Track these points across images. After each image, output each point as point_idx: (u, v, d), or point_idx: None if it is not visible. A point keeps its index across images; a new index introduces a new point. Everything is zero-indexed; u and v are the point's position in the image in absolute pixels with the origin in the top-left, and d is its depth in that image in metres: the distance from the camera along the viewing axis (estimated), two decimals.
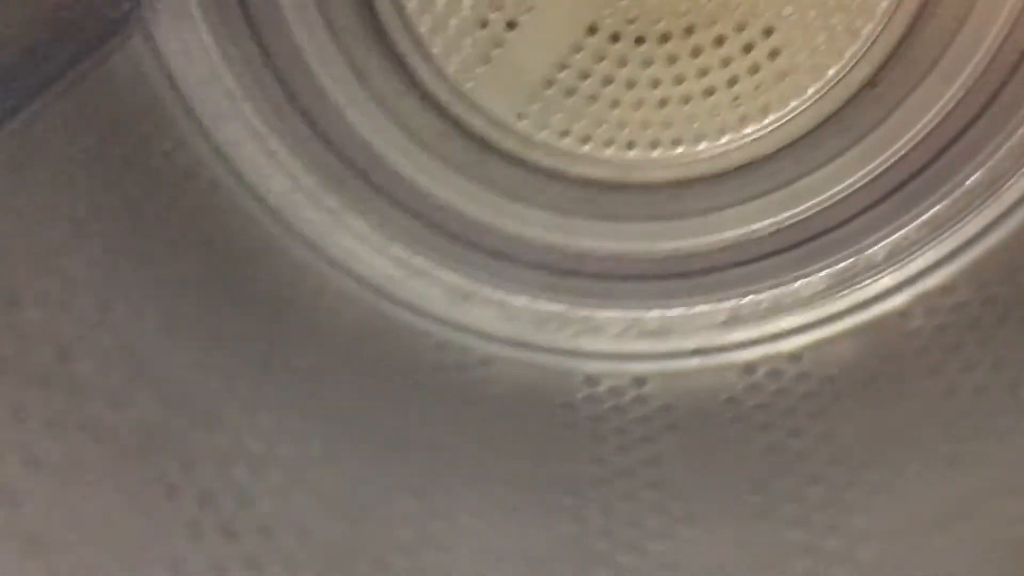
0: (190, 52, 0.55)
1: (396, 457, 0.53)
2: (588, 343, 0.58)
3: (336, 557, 0.45)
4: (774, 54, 0.55)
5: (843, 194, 0.55)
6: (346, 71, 0.57)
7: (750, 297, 0.57)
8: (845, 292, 0.55)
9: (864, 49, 0.53)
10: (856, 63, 0.54)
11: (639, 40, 0.57)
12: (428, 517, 0.48)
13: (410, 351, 0.59)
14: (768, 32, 0.55)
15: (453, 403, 0.56)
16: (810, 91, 0.55)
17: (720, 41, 0.56)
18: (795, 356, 0.57)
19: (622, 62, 0.58)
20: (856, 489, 0.49)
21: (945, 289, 0.54)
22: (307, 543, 0.45)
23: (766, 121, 0.56)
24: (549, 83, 0.59)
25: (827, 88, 0.55)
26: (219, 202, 0.57)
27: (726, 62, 0.56)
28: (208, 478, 0.45)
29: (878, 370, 0.55)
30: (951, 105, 0.51)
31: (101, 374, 0.45)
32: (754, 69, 0.56)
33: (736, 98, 0.56)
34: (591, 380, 0.58)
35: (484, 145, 0.60)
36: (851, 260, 0.55)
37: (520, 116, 0.59)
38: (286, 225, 0.57)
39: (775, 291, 0.56)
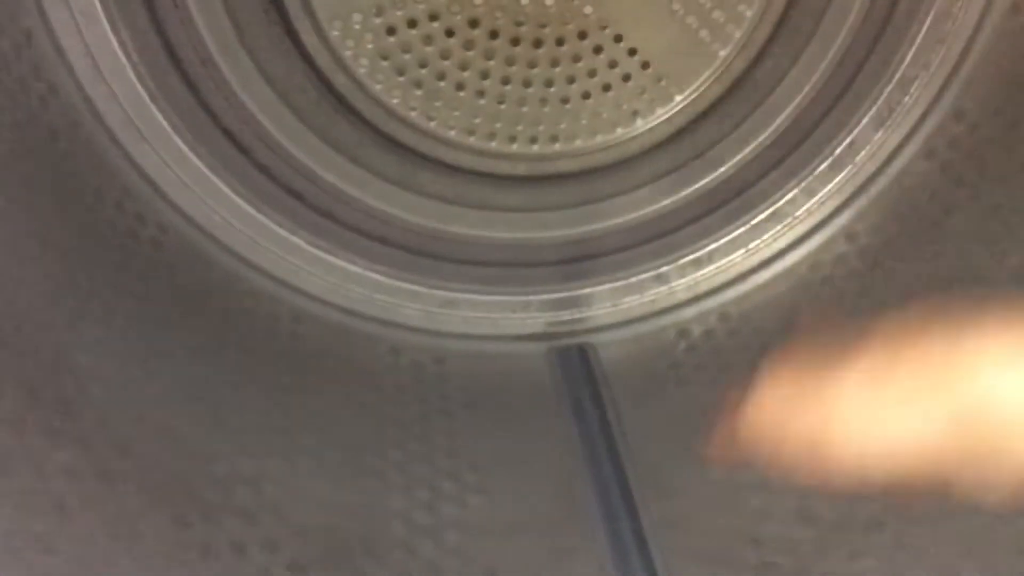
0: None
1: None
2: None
3: None
4: (665, 53, 0.60)
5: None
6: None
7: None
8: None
9: (747, 34, 0.59)
10: (742, 47, 0.59)
11: (537, 43, 0.60)
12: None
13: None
14: (659, 29, 0.60)
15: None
16: (704, 75, 0.60)
17: (619, 39, 0.60)
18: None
19: (510, 62, 0.60)
20: None
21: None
22: None
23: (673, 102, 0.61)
24: (442, 76, 0.60)
25: (719, 71, 0.60)
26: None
27: (632, 52, 0.60)
28: None
29: None
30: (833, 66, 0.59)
31: None
32: (646, 65, 0.60)
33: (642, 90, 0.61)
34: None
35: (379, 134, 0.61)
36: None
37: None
38: None
39: None
